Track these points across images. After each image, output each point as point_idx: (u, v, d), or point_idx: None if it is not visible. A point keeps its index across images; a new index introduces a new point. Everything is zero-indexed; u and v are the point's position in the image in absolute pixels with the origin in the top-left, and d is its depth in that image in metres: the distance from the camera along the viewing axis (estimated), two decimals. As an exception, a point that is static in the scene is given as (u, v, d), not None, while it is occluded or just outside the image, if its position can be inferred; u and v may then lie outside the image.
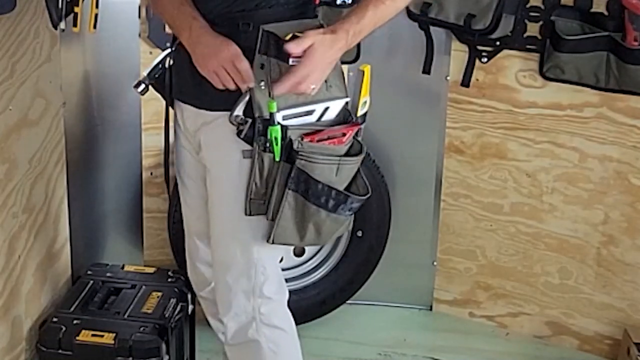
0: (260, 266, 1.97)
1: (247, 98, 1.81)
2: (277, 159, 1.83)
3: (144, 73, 2.06)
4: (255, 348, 2.00)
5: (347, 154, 1.88)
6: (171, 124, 2.10)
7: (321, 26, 1.86)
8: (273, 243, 1.90)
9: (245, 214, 1.88)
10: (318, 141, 1.84)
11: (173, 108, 2.07)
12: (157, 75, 2.03)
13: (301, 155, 1.82)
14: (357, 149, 1.91)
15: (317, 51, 1.73)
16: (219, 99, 1.86)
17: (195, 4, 1.88)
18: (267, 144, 1.81)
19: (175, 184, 2.25)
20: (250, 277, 1.96)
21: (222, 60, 1.79)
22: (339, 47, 1.76)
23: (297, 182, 1.84)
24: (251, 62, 1.80)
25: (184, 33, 1.86)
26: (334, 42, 1.75)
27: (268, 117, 1.79)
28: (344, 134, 1.87)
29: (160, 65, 2.05)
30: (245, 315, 1.98)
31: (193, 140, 2.00)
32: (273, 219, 1.87)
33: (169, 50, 2.10)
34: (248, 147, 1.85)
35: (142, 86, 2.05)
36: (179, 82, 1.97)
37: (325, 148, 1.85)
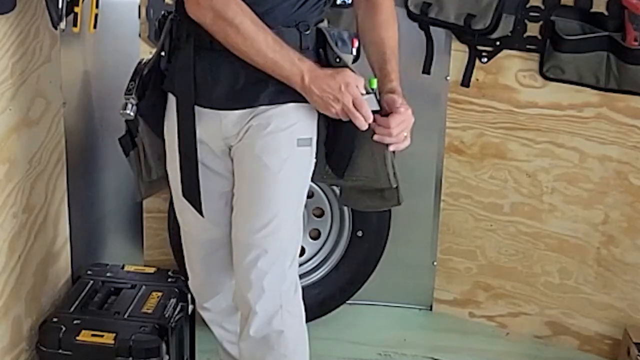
0: (291, 251, 2.01)
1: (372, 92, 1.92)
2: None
3: (125, 94, 2.05)
4: (278, 339, 2.00)
5: None
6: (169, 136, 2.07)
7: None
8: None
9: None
10: None
11: (160, 133, 2.07)
12: (140, 94, 2.04)
13: None
14: None
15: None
16: (280, 93, 1.91)
17: (258, 14, 1.87)
18: None
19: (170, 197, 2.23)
20: (282, 261, 1.99)
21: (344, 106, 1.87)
22: None
23: None
24: (314, 60, 1.90)
25: (294, 79, 1.88)
26: None
27: None
28: None
29: (140, 83, 2.05)
30: (274, 302, 1.99)
31: (228, 142, 1.99)
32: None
33: (137, 64, 2.10)
34: (304, 135, 1.94)
35: (130, 106, 2.04)
36: (217, 90, 1.94)
37: None
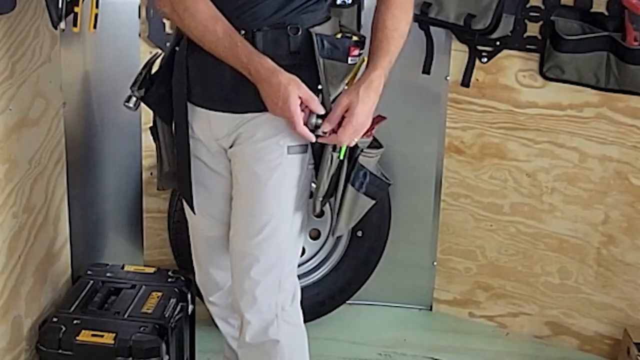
0: (288, 261, 2.00)
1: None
2: (342, 157, 1.91)
3: (130, 86, 2.05)
4: (274, 348, 2.00)
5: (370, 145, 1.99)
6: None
7: (340, 26, 1.96)
8: (333, 236, 2.12)
9: (314, 213, 2.00)
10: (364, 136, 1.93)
11: (169, 124, 2.05)
12: (146, 87, 2.03)
13: (364, 152, 1.93)
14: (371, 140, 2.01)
15: (355, 109, 1.82)
16: (261, 101, 1.87)
17: (240, 16, 1.86)
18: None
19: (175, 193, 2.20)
20: (278, 271, 1.98)
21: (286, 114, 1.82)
22: (375, 88, 1.85)
23: (357, 178, 1.95)
24: (306, 65, 1.85)
25: (245, 74, 1.85)
26: (369, 89, 1.84)
27: None
28: (372, 127, 1.93)
29: (147, 76, 2.03)
30: (269, 312, 1.98)
31: (221, 143, 1.99)
32: (338, 214, 1.98)
33: (151, 56, 2.10)
34: (294, 142, 1.91)
35: (134, 100, 2.04)
36: (205, 90, 1.94)
37: (368, 142, 1.95)
